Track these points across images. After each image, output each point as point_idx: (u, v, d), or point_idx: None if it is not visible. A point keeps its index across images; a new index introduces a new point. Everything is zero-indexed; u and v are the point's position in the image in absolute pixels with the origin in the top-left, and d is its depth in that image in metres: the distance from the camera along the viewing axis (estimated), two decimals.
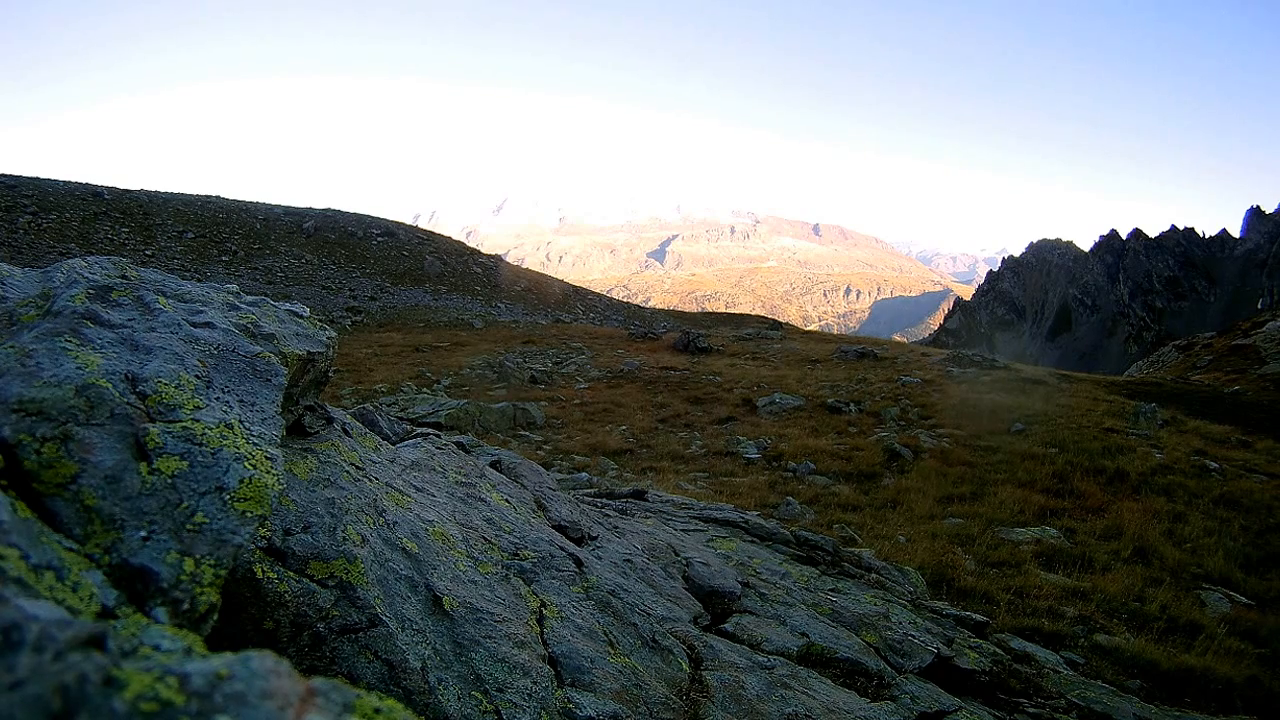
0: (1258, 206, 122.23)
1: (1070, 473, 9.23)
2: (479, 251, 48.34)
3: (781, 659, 2.79)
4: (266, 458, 1.60)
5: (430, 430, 3.83)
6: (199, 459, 1.48)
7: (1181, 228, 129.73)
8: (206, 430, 1.56)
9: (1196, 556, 6.82)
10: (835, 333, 51.32)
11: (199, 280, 2.50)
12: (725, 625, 3.05)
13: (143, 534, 1.30)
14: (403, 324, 31.25)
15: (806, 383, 16.52)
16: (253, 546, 1.45)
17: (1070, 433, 11.40)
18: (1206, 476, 9.36)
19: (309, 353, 2.20)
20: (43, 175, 37.74)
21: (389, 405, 12.02)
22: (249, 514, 1.44)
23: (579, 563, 2.76)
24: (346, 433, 2.58)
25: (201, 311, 2.00)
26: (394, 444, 3.23)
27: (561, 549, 2.78)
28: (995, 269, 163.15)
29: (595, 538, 3.33)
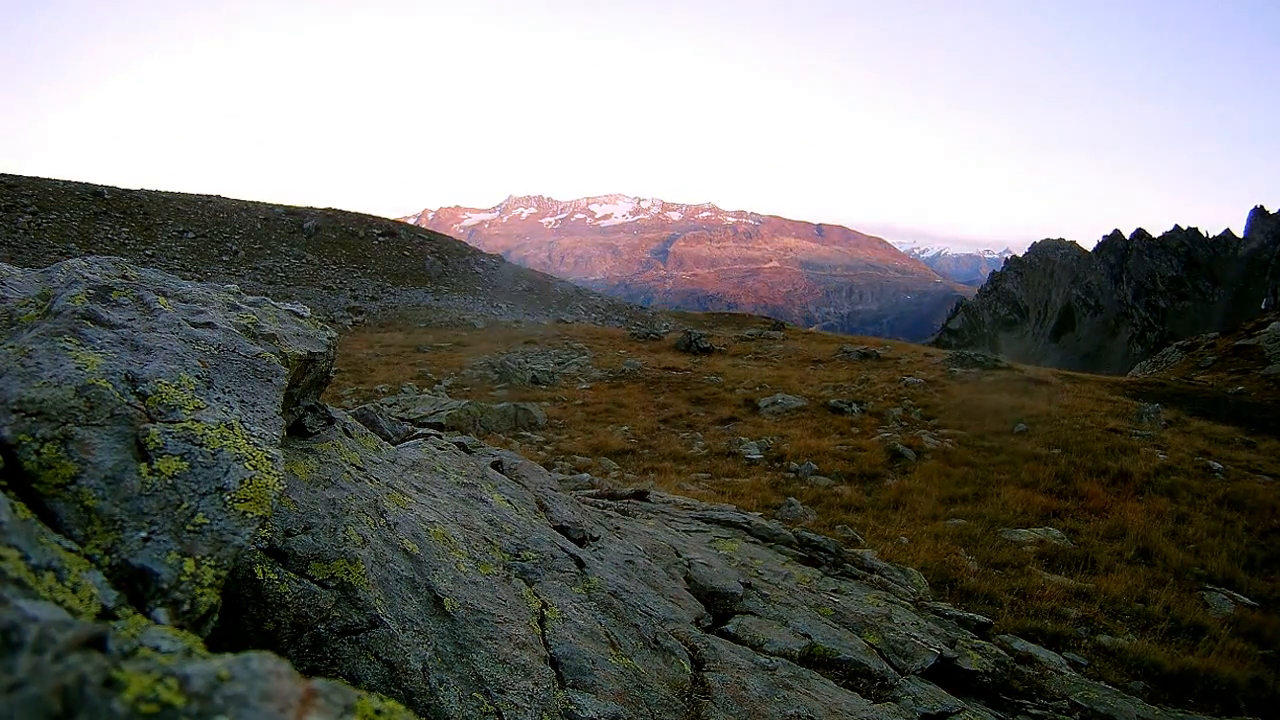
0: (1261, 206, 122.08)
1: (1073, 473, 9.21)
2: (480, 251, 48.39)
3: (784, 660, 2.79)
4: (267, 458, 1.60)
5: (431, 431, 3.83)
6: (199, 459, 1.48)
7: (1185, 228, 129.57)
8: (207, 431, 1.55)
9: (1200, 557, 6.81)
10: (837, 333, 51.30)
11: (199, 280, 2.50)
12: (727, 626, 3.05)
13: (143, 535, 1.30)
14: (404, 324, 31.27)
15: (809, 383, 16.50)
16: (253, 547, 1.45)
17: (1073, 433, 11.37)
18: (1210, 477, 9.34)
19: (310, 353, 2.20)
20: (43, 175, 37.82)
21: (390, 406, 12.03)
22: (249, 515, 1.44)
23: (580, 564, 2.75)
24: (347, 433, 2.58)
25: (202, 311, 1.99)
26: (395, 444, 3.23)
27: (563, 550, 2.77)
28: (998, 269, 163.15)
29: (597, 538, 3.33)
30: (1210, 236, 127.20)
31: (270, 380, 1.91)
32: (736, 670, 2.55)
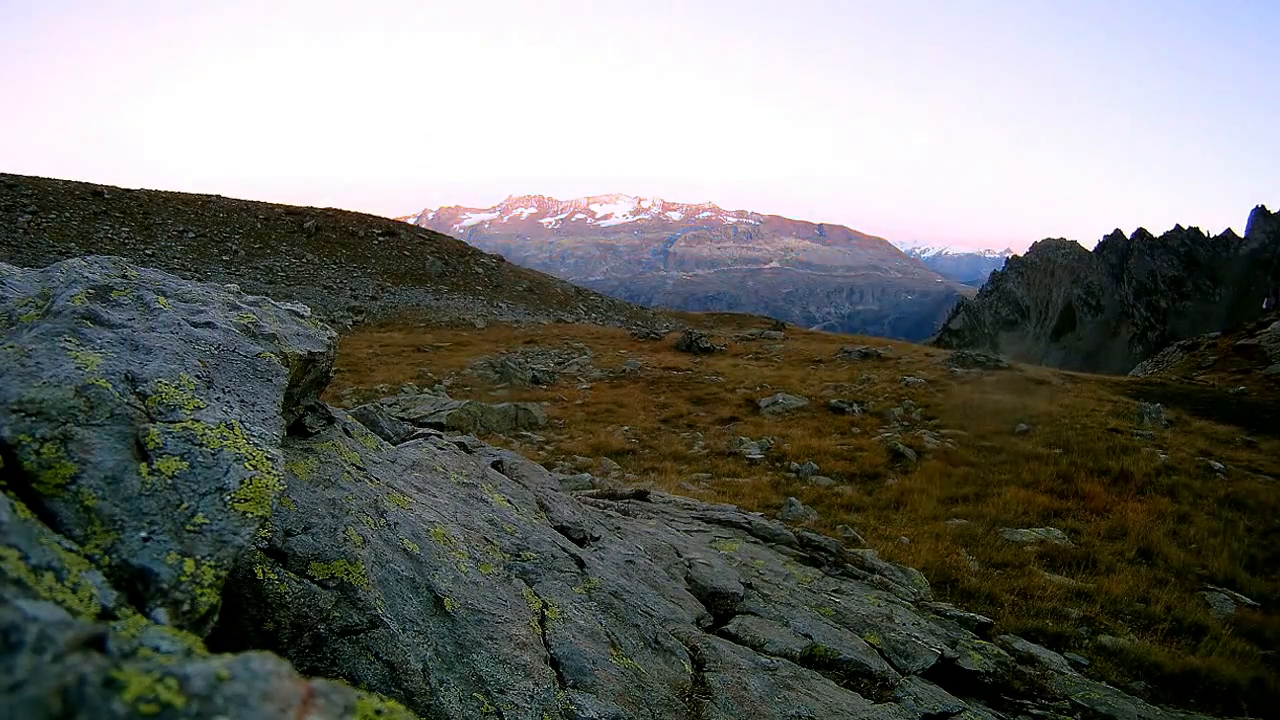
0: (1262, 206, 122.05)
1: (1074, 473, 9.20)
2: (481, 251, 48.38)
3: (785, 660, 2.78)
4: (267, 458, 1.60)
5: (432, 430, 3.82)
6: (199, 459, 1.48)
7: (1186, 227, 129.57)
8: (207, 430, 1.55)
9: (1201, 557, 6.80)
10: (838, 333, 51.31)
11: (200, 280, 2.50)
12: (728, 626, 3.04)
13: (143, 535, 1.30)
14: (404, 324, 31.27)
15: (809, 383, 16.49)
16: (253, 547, 1.45)
17: (1074, 433, 11.36)
18: (1211, 477, 9.33)
19: (310, 353, 2.20)
20: (43, 175, 37.82)
21: (390, 405, 12.02)
22: (250, 515, 1.44)
23: (581, 564, 2.75)
24: (348, 433, 2.58)
25: (202, 311, 1.99)
26: (395, 444, 3.23)
27: (563, 550, 2.77)
28: (999, 269, 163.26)
29: (597, 538, 3.32)
30: (1211, 236, 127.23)
31: (270, 380, 1.91)
32: (737, 670, 2.54)
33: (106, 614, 1.12)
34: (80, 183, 37.86)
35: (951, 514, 7.86)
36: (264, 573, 1.67)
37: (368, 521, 2.06)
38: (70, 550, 1.18)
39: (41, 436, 1.33)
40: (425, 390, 14.84)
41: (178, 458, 1.45)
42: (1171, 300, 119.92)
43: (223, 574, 1.33)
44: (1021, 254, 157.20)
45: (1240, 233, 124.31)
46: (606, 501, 4.93)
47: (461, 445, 3.73)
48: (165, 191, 40.48)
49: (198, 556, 1.32)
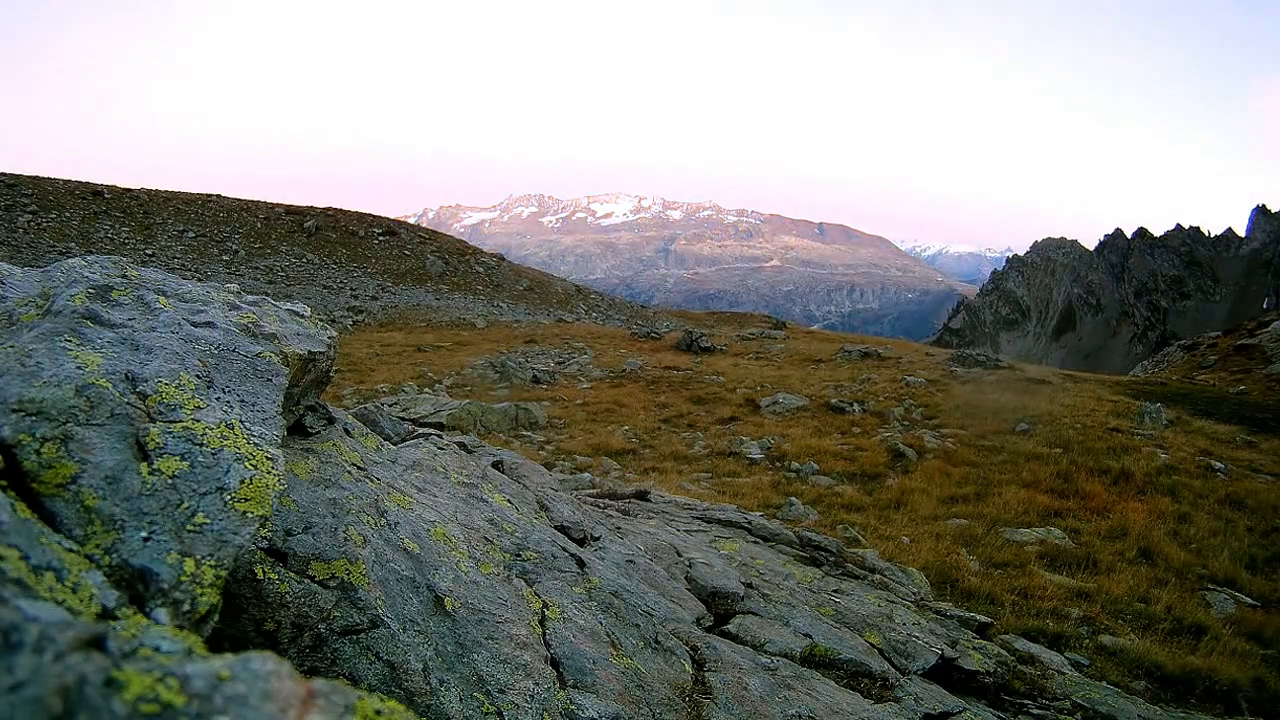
0: (1262, 205, 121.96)
1: (1075, 473, 9.20)
2: (481, 251, 48.37)
3: (785, 660, 2.78)
4: (267, 458, 1.60)
5: (432, 430, 3.82)
6: (200, 459, 1.48)
7: (1186, 226, 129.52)
8: (207, 430, 1.55)
9: (1202, 557, 6.80)
10: (839, 332, 51.30)
11: (200, 280, 2.50)
12: (728, 626, 3.04)
13: (143, 534, 1.30)
14: (404, 323, 31.27)
15: (810, 383, 16.49)
16: (254, 547, 1.45)
17: (1075, 433, 11.36)
18: (1212, 477, 9.33)
19: (310, 352, 2.20)
20: (43, 174, 37.81)
21: (390, 405, 12.01)
22: (250, 514, 1.44)
23: (581, 563, 2.75)
24: (348, 433, 2.58)
25: (202, 311, 1.99)
26: (395, 444, 3.23)
27: (564, 549, 2.77)
28: (1000, 268, 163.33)
29: (598, 538, 3.32)
30: (1211, 236, 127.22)
31: (271, 380, 1.91)
32: (738, 670, 2.54)
33: (107, 614, 1.12)
34: (80, 182, 37.87)
35: (952, 514, 7.86)
36: (264, 572, 1.67)
37: (368, 521, 2.06)
38: (70, 550, 1.18)
39: (42, 436, 1.33)
40: (425, 390, 14.84)
41: (178, 457, 1.45)
42: (1172, 300, 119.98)
43: (223, 574, 1.33)
44: (1022, 253, 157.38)
45: (1241, 232, 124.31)
46: (607, 501, 4.93)
47: (462, 445, 3.74)
48: (165, 191, 40.47)
49: (198, 556, 1.32)
